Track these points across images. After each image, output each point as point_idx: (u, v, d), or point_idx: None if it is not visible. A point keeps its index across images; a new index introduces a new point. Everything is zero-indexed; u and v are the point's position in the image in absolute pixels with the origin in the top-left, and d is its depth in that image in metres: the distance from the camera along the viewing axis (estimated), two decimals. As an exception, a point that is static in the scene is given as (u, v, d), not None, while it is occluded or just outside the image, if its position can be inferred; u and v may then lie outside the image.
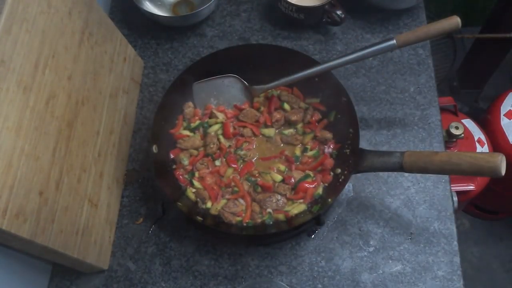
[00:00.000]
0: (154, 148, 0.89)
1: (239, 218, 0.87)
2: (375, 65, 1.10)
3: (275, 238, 0.91)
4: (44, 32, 0.73)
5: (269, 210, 0.87)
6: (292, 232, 0.90)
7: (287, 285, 0.85)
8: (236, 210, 0.88)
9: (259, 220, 0.87)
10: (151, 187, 0.98)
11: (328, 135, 0.94)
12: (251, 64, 0.97)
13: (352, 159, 0.85)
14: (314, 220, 0.89)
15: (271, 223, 0.87)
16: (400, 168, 0.75)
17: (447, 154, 0.69)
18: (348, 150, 0.88)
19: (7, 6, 0.65)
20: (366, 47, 0.85)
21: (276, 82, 0.93)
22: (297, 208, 0.88)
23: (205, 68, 0.97)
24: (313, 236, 0.92)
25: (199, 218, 0.84)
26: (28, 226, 0.66)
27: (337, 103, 0.93)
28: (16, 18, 0.67)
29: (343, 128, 0.91)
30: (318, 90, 0.97)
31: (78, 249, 0.79)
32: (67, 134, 0.78)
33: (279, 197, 0.88)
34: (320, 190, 0.89)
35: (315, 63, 0.94)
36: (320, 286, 0.87)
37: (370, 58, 1.11)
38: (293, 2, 1.08)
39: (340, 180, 0.86)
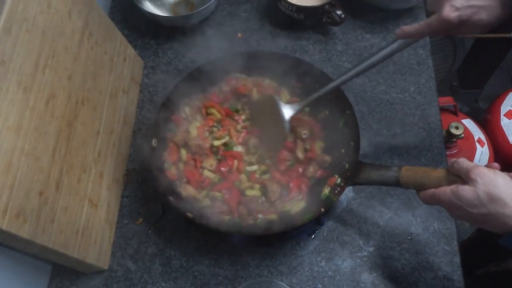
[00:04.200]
0: (154, 142, 0.90)
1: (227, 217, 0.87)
2: (375, 65, 1.10)
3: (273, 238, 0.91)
4: (44, 32, 0.73)
5: (260, 215, 0.87)
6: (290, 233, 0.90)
7: (287, 285, 0.84)
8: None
9: (251, 222, 0.86)
10: (151, 187, 0.98)
11: (327, 158, 0.92)
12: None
13: (350, 171, 0.84)
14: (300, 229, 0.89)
15: (263, 225, 0.86)
16: (397, 182, 0.74)
17: (444, 170, 0.68)
18: (347, 164, 0.87)
19: (7, 6, 0.65)
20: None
21: (304, 102, 0.88)
22: (298, 205, 0.87)
23: (213, 69, 0.97)
24: (313, 236, 0.92)
25: (190, 215, 0.84)
26: (28, 226, 0.66)
27: (342, 115, 0.92)
28: (16, 18, 0.67)
29: (344, 140, 0.90)
30: (325, 101, 0.95)
31: (78, 249, 0.79)
32: (67, 134, 0.78)
33: (263, 198, 0.88)
34: (327, 191, 0.87)
35: (310, 66, 0.95)
36: (320, 286, 0.87)
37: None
38: (293, 2, 1.08)
39: (336, 191, 0.85)
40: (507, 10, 0.67)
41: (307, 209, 0.87)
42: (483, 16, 0.67)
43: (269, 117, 0.89)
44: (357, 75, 0.82)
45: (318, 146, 0.94)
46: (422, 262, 0.88)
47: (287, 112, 0.86)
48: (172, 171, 0.91)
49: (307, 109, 0.95)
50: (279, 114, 0.86)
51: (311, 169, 0.90)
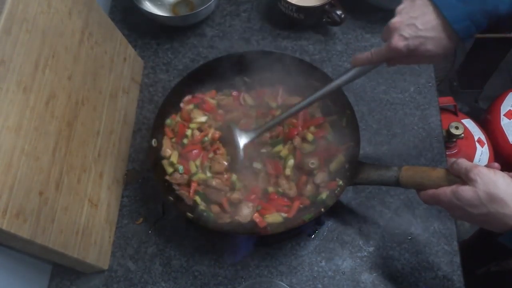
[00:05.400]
0: (154, 142, 0.90)
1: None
2: (375, 65, 1.10)
3: (274, 238, 0.91)
4: (44, 32, 0.73)
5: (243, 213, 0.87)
6: (292, 232, 0.90)
7: (287, 285, 0.85)
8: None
9: (227, 220, 0.86)
10: (151, 187, 0.98)
11: (326, 178, 0.89)
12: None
13: (350, 171, 0.84)
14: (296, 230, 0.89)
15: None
16: (397, 182, 0.74)
17: (444, 170, 0.68)
18: (347, 164, 0.87)
19: (7, 6, 0.65)
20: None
21: (264, 128, 0.88)
22: (273, 218, 0.86)
23: (212, 70, 0.98)
24: (313, 236, 0.92)
25: (189, 215, 0.84)
26: (28, 226, 0.66)
27: (341, 115, 0.92)
28: (16, 18, 0.67)
29: (344, 140, 0.90)
30: (323, 102, 0.96)
31: (78, 249, 0.79)
32: (67, 134, 0.78)
33: (250, 204, 0.88)
34: (324, 195, 0.87)
35: (312, 67, 0.95)
36: (320, 286, 0.87)
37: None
38: (293, 2, 1.08)
39: (336, 191, 0.85)
40: (453, 42, 0.68)
41: (282, 224, 0.85)
42: (430, 46, 0.68)
43: (231, 142, 0.90)
44: (312, 102, 0.83)
45: (336, 163, 0.89)
46: (422, 262, 0.88)
47: (242, 140, 0.88)
48: (170, 128, 0.94)
49: (330, 136, 0.93)
50: (235, 142, 0.88)
51: (308, 188, 0.88)
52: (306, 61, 0.98)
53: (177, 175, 0.90)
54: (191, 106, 0.97)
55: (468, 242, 1.50)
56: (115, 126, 0.96)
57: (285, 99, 0.98)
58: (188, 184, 0.90)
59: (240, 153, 0.87)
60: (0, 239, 0.65)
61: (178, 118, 0.96)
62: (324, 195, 0.87)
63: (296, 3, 1.08)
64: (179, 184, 0.90)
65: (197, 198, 0.88)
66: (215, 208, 0.88)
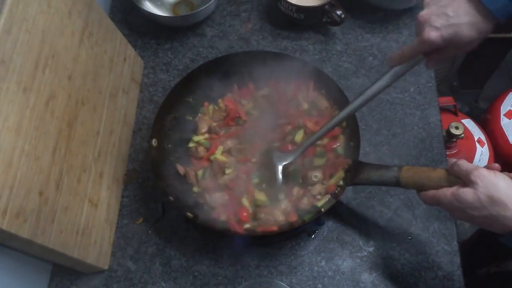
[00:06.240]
0: (154, 142, 0.90)
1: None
2: (375, 65, 1.10)
3: (275, 238, 0.91)
4: (44, 32, 0.73)
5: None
6: (292, 232, 0.90)
7: (287, 285, 0.84)
8: None
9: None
10: (151, 187, 0.98)
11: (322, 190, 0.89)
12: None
13: (349, 171, 0.84)
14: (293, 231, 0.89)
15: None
16: (397, 182, 0.74)
17: (444, 171, 0.68)
18: (347, 164, 0.87)
19: (7, 6, 0.65)
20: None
21: (301, 148, 0.85)
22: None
23: (213, 68, 0.98)
24: (313, 236, 0.92)
25: (190, 215, 0.84)
26: (28, 226, 0.66)
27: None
28: (16, 18, 0.67)
29: (344, 140, 0.90)
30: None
31: (78, 249, 0.79)
32: (67, 134, 0.78)
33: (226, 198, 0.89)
34: (320, 204, 0.86)
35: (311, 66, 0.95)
36: (320, 286, 0.87)
37: (370, 58, 1.11)
38: (293, 2, 1.08)
39: (336, 191, 0.85)
40: (490, 24, 0.65)
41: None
42: (466, 33, 0.65)
43: (269, 165, 0.88)
44: (354, 111, 0.79)
45: (336, 179, 0.88)
46: (422, 262, 0.88)
47: (281, 162, 0.86)
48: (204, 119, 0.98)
49: (340, 148, 0.91)
50: (273, 164, 0.86)
51: (305, 201, 0.87)
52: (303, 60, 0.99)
53: (200, 149, 0.94)
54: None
55: (468, 242, 1.49)
56: (115, 126, 0.96)
57: (314, 97, 0.96)
58: (202, 158, 0.93)
59: (279, 176, 0.85)
60: (0, 239, 0.65)
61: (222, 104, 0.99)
62: (321, 203, 0.86)
63: (296, 3, 1.08)
64: (195, 157, 0.93)
65: (200, 173, 0.91)
66: (204, 184, 0.91)
